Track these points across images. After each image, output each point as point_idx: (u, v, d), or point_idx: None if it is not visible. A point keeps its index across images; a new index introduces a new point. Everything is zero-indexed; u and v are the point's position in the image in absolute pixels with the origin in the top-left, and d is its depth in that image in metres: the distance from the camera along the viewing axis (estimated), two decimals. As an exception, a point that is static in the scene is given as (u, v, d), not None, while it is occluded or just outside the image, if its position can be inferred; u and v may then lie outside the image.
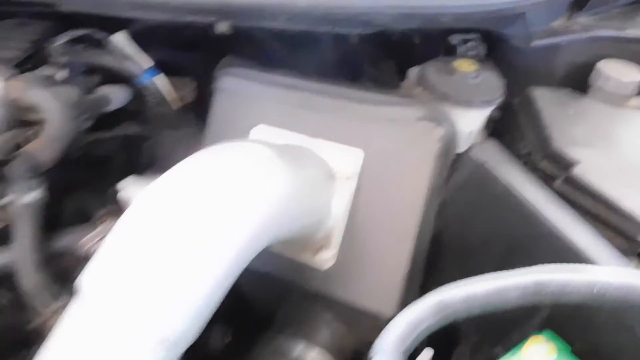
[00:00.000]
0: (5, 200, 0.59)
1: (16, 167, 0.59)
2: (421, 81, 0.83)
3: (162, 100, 0.87)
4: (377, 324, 0.73)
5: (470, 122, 0.78)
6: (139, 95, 0.88)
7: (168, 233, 0.50)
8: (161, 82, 0.87)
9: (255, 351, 0.74)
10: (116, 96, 0.82)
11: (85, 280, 0.49)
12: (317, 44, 1.10)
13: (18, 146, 0.61)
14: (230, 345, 0.84)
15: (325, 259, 0.72)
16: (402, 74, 0.90)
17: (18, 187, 0.59)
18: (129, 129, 0.88)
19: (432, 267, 0.74)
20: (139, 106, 0.89)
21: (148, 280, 0.49)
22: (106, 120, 0.87)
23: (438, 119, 0.72)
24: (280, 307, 0.77)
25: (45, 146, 0.61)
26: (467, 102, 0.77)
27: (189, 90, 0.95)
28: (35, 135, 0.65)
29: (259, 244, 0.55)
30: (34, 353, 0.51)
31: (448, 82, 0.80)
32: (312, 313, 0.75)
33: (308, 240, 0.72)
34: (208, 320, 0.53)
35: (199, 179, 0.53)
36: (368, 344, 0.75)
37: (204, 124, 0.87)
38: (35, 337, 0.64)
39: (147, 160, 0.91)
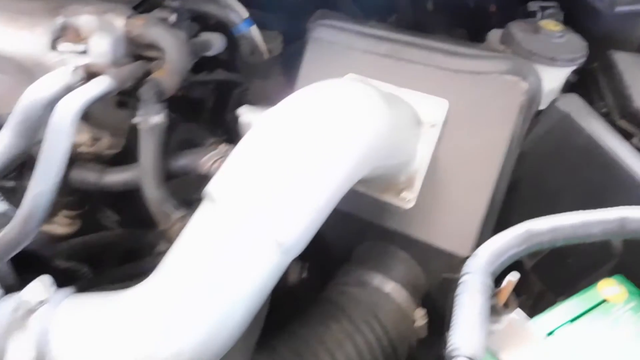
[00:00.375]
0: (135, 120, 0.67)
1: (146, 92, 0.66)
2: (506, 39, 0.86)
3: (255, 50, 0.93)
4: (452, 263, 0.79)
5: (553, 79, 0.82)
6: (233, 44, 0.95)
7: (289, 149, 0.57)
8: (255, 33, 0.93)
9: (334, 281, 0.80)
10: (215, 43, 0.89)
11: (215, 187, 0.56)
12: (393, 9, 1.14)
13: (145, 75, 0.68)
14: (306, 280, 0.90)
15: (407, 199, 0.77)
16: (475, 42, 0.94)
17: (146, 110, 0.67)
18: (222, 75, 0.95)
19: (506, 213, 0.78)
20: (233, 54, 0.96)
21: (270, 190, 0.55)
22: (202, 65, 0.94)
23: (524, 73, 0.76)
24: (357, 245, 0.83)
25: (168, 76, 0.68)
26: (551, 60, 0.80)
27: (277, 43, 1.00)
28: (156, 68, 0.72)
29: (363, 169, 0.61)
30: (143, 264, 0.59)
31: (533, 40, 0.83)
32: (389, 251, 0.80)
33: (392, 181, 0.77)
34: (314, 233, 0.59)
35: (316, 104, 0.60)
36: (439, 283, 0.81)
37: (289, 76, 0.93)
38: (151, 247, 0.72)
39: (236, 107, 0.98)
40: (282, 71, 0.99)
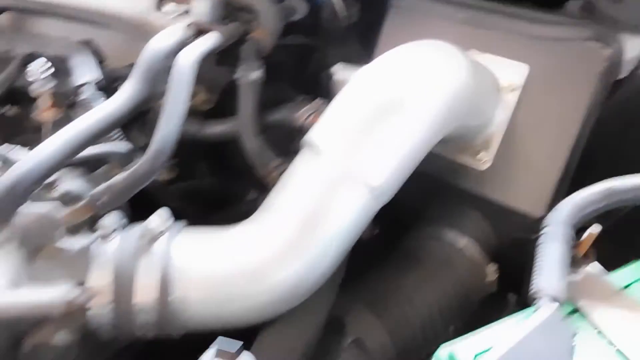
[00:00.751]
0: (236, 76, 0.73)
1: (246, 50, 0.72)
2: (587, 7, 0.87)
3: (335, 16, 0.97)
4: (525, 224, 0.82)
5: (634, 48, 0.82)
6: (314, 10, 0.99)
7: (384, 102, 0.61)
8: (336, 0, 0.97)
9: (409, 235, 0.85)
10: (299, 8, 0.93)
11: (315, 136, 0.62)
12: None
13: (243, 35, 0.74)
14: (378, 237, 0.95)
15: (483, 161, 0.80)
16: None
17: (246, 67, 0.73)
18: (302, 39, 0.99)
19: (580, 178, 0.80)
20: (313, 20, 1.00)
21: (365, 139, 0.61)
22: (284, 29, 0.99)
23: (606, 40, 0.77)
24: (430, 204, 0.87)
25: (264, 36, 0.73)
26: (635, 28, 0.80)
27: (355, 10, 1.04)
28: (251, 30, 0.77)
29: (449, 124, 0.65)
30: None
31: (616, 8, 0.83)
32: (462, 210, 0.84)
33: (469, 143, 0.80)
34: (403, 182, 0.64)
35: (407, 61, 0.65)
36: (510, 243, 0.84)
37: (365, 42, 0.97)
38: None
39: (314, 71, 1.03)
40: (359, 38, 1.03)
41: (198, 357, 0.48)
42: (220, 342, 0.44)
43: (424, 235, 0.83)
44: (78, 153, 0.57)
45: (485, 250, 0.83)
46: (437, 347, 0.59)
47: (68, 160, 0.56)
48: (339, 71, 0.70)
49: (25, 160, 0.53)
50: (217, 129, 0.77)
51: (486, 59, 0.83)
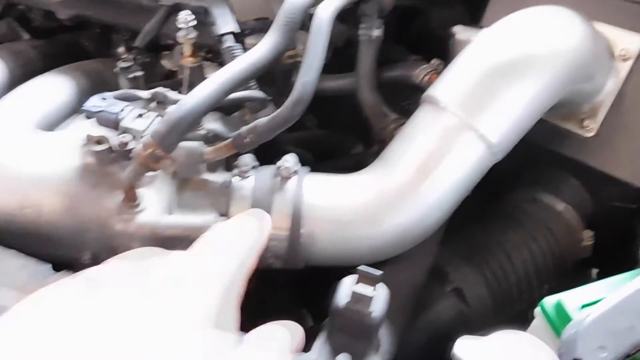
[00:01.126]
0: (361, 32, 0.77)
1: (369, 7, 0.76)
2: None
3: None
4: (626, 193, 0.83)
5: None
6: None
7: (505, 62, 0.65)
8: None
9: (508, 197, 0.88)
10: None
11: (437, 91, 0.66)
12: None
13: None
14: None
15: (588, 128, 0.82)
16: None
17: (368, 24, 0.77)
18: (408, 2, 1.01)
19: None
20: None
21: (486, 96, 0.64)
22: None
23: None
24: (530, 168, 0.90)
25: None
26: None
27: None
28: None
29: (564, 86, 0.67)
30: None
31: None
32: (561, 176, 0.86)
33: (576, 109, 0.82)
34: (518, 140, 0.67)
35: (527, 23, 0.68)
36: (607, 212, 0.86)
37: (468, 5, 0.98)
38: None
39: (417, 33, 1.05)
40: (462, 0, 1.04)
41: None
42: (362, 269, 0.50)
43: (523, 198, 0.86)
44: (228, 95, 0.63)
45: (581, 217, 0.85)
46: (532, 302, 0.63)
47: (221, 102, 0.62)
48: (461, 31, 0.73)
49: (188, 98, 0.59)
50: (333, 83, 0.82)
51: (601, 27, 0.83)
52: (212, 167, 0.69)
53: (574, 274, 0.90)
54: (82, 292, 0.33)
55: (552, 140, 0.87)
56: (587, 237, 0.83)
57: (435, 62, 0.76)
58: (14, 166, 0.64)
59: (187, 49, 0.74)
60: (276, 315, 0.64)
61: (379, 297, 0.50)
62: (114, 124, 0.64)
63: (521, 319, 0.58)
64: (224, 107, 0.71)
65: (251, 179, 0.66)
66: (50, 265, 0.57)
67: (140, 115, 0.64)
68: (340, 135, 0.92)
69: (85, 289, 0.34)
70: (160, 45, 0.88)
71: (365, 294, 0.47)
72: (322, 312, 0.60)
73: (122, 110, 0.64)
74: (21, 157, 0.65)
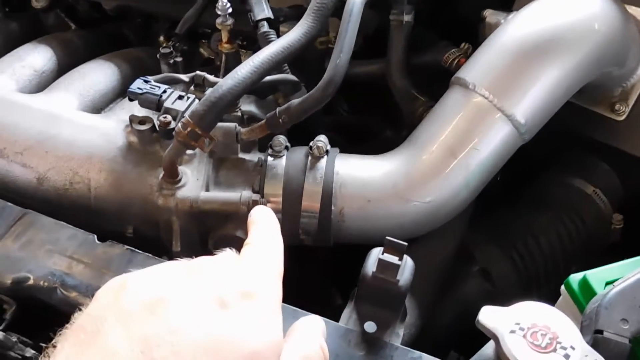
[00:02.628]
0: (392, 17, 0.79)
1: (402, -9, 0.78)
2: None
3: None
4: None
5: None
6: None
7: (535, 45, 0.66)
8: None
9: (534, 180, 0.88)
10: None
11: (466, 73, 0.67)
12: None
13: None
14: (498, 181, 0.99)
15: (620, 112, 0.82)
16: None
17: (400, 9, 0.79)
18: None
19: None
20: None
21: (515, 78, 0.66)
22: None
23: None
24: (558, 152, 0.90)
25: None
26: None
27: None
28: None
29: (594, 70, 0.68)
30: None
31: None
32: (591, 160, 0.86)
33: (606, 94, 0.82)
34: (545, 122, 0.68)
35: (558, 7, 0.69)
36: (635, 195, 0.85)
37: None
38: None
39: (447, 18, 1.05)
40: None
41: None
42: (389, 239, 0.52)
43: (552, 181, 0.86)
44: (264, 78, 0.66)
45: (611, 201, 0.85)
46: (559, 285, 0.64)
47: (256, 84, 0.65)
48: (491, 15, 0.74)
49: (226, 80, 0.62)
50: (364, 68, 0.84)
51: (633, 10, 0.82)
52: (247, 147, 0.72)
53: (604, 257, 0.90)
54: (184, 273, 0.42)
55: (582, 124, 0.87)
56: (617, 220, 0.83)
57: (464, 46, 0.77)
58: (65, 146, 0.69)
59: (224, 36, 0.78)
60: (307, 294, 0.67)
61: (405, 266, 0.52)
62: (155, 105, 0.68)
63: (548, 301, 0.59)
64: (258, 90, 0.74)
65: (284, 158, 0.69)
66: (95, 236, 0.61)
67: (180, 97, 0.68)
68: (370, 120, 0.94)
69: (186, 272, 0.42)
70: (198, 33, 0.91)
71: (392, 262, 0.50)
72: (351, 290, 0.63)
73: (164, 92, 0.68)
74: (71, 138, 0.69)
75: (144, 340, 0.36)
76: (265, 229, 0.49)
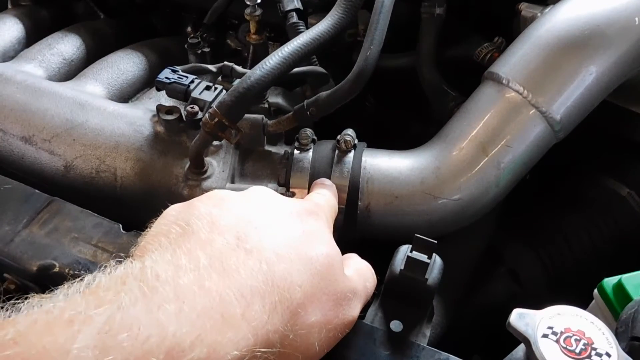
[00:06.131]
0: (423, 9, 0.78)
1: (433, -16, 0.76)
2: None
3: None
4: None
5: None
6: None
7: (572, 42, 0.63)
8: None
9: (567, 180, 0.86)
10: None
11: (500, 68, 0.65)
12: None
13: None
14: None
15: (659, 111, 0.79)
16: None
17: (430, 2, 0.77)
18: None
19: None
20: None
21: (551, 75, 0.63)
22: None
23: None
24: (592, 152, 0.87)
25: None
26: None
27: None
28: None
29: (631, 67, 0.65)
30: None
31: None
32: (627, 160, 0.83)
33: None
34: (581, 120, 0.66)
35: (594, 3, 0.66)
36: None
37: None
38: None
39: (480, 12, 1.03)
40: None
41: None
42: (419, 236, 0.51)
43: (585, 181, 0.83)
44: (292, 69, 0.65)
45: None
46: (591, 288, 0.62)
47: (285, 75, 0.64)
48: (526, 8, 0.71)
49: (254, 71, 0.62)
50: (394, 61, 0.83)
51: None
52: (273, 140, 0.71)
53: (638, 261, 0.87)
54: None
55: (617, 123, 0.85)
56: (653, 223, 0.81)
57: (497, 40, 0.75)
58: (92, 134, 0.69)
59: (252, 27, 0.77)
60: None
61: (434, 264, 0.51)
62: (183, 95, 0.67)
63: (577, 305, 0.57)
64: (286, 82, 0.73)
65: (310, 151, 0.68)
66: (120, 226, 0.61)
67: (208, 88, 0.67)
68: (398, 114, 0.92)
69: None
70: (226, 25, 0.91)
71: (421, 260, 0.49)
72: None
73: (192, 82, 0.67)
74: (98, 126, 0.70)
75: (235, 231, 0.41)
76: (326, 187, 0.60)
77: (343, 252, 0.50)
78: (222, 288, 0.37)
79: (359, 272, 0.50)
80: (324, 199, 0.56)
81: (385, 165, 0.68)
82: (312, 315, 0.42)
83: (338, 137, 0.68)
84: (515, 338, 0.47)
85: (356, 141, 0.68)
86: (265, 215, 0.45)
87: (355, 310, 0.48)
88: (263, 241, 0.42)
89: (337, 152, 0.67)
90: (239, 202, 0.45)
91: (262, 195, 0.48)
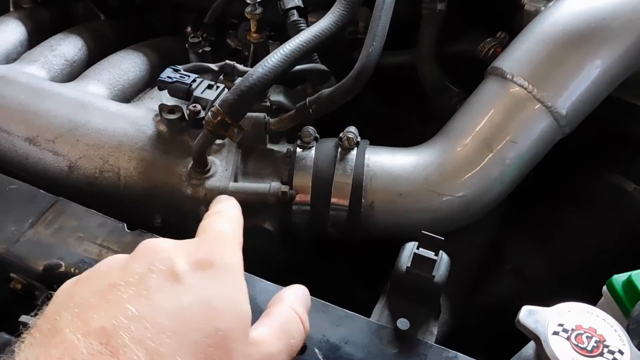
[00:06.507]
0: (424, 5, 0.77)
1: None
2: None
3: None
4: None
5: None
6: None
7: (577, 36, 0.63)
8: None
9: (572, 176, 0.85)
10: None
11: (502, 63, 0.65)
12: None
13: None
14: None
15: (664, 106, 0.78)
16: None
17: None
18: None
19: None
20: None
21: (555, 70, 0.63)
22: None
23: None
24: (598, 147, 0.86)
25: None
26: None
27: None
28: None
29: (637, 58, 0.65)
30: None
31: None
32: (632, 156, 0.83)
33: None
34: (586, 115, 0.65)
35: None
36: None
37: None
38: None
39: (481, 7, 1.02)
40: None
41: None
42: (425, 233, 0.51)
43: (590, 177, 0.83)
44: (294, 67, 0.64)
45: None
46: (598, 286, 0.61)
47: (287, 72, 0.64)
48: (530, 2, 0.71)
49: (256, 69, 0.61)
50: (396, 58, 0.83)
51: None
52: (275, 138, 0.71)
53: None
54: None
55: (623, 118, 0.84)
56: (660, 219, 0.80)
57: (500, 35, 0.74)
58: (96, 134, 0.68)
59: (253, 25, 0.76)
60: (331, 288, 0.66)
61: (441, 261, 0.50)
62: (185, 94, 0.67)
63: (585, 302, 0.57)
64: (287, 79, 0.72)
65: (313, 149, 0.67)
66: (125, 225, 0.61)
67: (210, 86, 0.67)
68: (398, 112, 0.92)
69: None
70: (225, 24, 0.91)
71: (428, 257, 0.48)
72: (376, 285, 0.61)
73: (194, 81, 0.67)
74: (101, 126, 0.69)
75: (101, 330, 0.35)
76: (223, 204, 0.50)
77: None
78: None
79: (280, 329, 0.43)
80: (221, 223, 0.47)
81: (389, 162, 0.67)
82: None
83: (340, 134, 0.67)
84: (522, 336, 0.47)
85: (359, 139, 0.68)
86: (144, 295, 0.37)
87: None
88: (133, 337, 0.35)
89: (339, 149, 0.66)
90: (116, 281, 0.39)
91: (148, 259, 0.40)
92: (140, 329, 0.36)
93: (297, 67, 0.69)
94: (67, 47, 0.87)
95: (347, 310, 0.51)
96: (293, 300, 0.46)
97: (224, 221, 0.47)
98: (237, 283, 0.41)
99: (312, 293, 0.53)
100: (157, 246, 0.42)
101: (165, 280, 0.38)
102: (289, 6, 0.72)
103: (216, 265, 0.41)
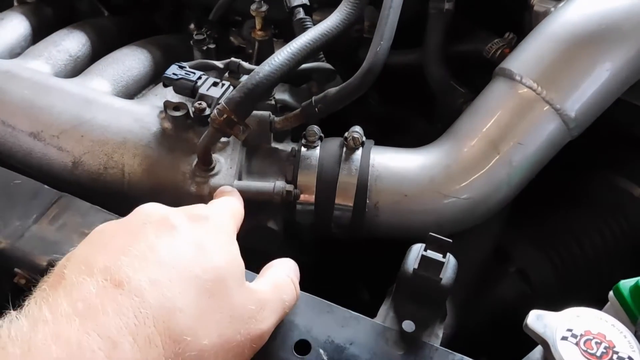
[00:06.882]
0: (432, 4, 0.77)
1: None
2: None
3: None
4: None
5: None
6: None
7: (587, 35, 0.62)
8: None
9: (578, 179, 0.85)
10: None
11: (510, 64, 0.64)
12: None
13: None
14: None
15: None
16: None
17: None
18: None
19: None
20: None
21: (564, 72, 0.62)
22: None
23: None
24: (604, 150, 0.86)
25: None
26: None
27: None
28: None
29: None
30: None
31: None
32: (639, 159, 0.82)
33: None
34: (595, 117, 0.65)
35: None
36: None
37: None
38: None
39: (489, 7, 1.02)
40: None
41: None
42: (433, 235, 0.50)
43: (597, 180, 0.82)
44: (300, 65, 0.64)
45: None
46: (603, 289, 0.61)
47: (293, 71, 0.63)
48: (539, 3, 0.70)
49: (262, 67, 0.61)
50: (402, 58, 0.82)
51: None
52: (280, 137, 0.70)
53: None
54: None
55: (631, 121, 0.84)
56: (666, 223, 0.79)
57: (508, 35, 0.74)
58: (100, 130, 0.68)
59: (258, 23, 0.76)
60: (333, 287, 0.65)
61: (448, 264, 0.50)
62: (190, 91, 0.67)
63: (590, 305, 0.56)
64: (292, 78, 0.72)
65: (318, 149, 0.67)
66: (129, 222, 0.61)
67: (215, 84, 0.66)
68: (403, 112, 0.91)
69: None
70: (229, 22, 0.90)
71: (436, 259, 0.48)
72: (378, 286, 0.60)
73: (199, 78, 0.66)
74: (106, 122, 0.69)
75: (105, 268, 0.38)
76: (228, 194, 0.56)
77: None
78: (82, 334, 0.35)
79: (275, 284, 0.47)
80: (219, 204, 0.52)
81: (394, 163, 0.67)
82: (204, 338, 0.39)
83: (346, 134, 0.67)
84: (528, 339, 0.46)
85: (364, 138, 0.67)
86: (142, 239, 0.41)
87: (265, 323, 0.44)
88: (136, 270, 0.39)
89: (344, 149, 0.66)
90: (115, 234, 0.42)
91: (143, 215, 0.44)
92: (142, 264, 0.39)
93: (303, 66, 0.68)
94: (71, 42, 0.87)
95: (352, 312, 0.51)
96: (285, 267, 0.50)
97: (224, 201, 0.53)
98: (231, 239, 0.45)
99: (316, 293, 0.53)
100: (153, 206, 0.46)
101: (162, 227, 0.42)
102: (295, 4, 0.72)
103: (211, 220, 0.45)
